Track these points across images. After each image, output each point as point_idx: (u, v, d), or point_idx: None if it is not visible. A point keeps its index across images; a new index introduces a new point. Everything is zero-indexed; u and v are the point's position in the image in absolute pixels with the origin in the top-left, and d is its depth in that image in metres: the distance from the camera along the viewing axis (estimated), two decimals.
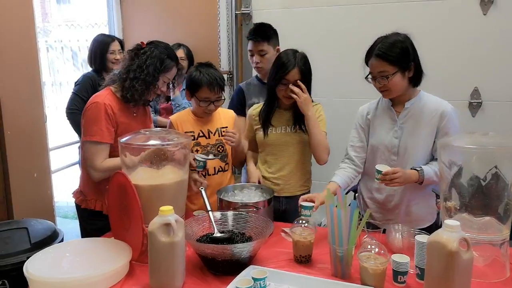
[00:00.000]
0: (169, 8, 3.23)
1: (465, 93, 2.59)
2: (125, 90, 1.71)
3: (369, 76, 1.66)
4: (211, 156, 1.88)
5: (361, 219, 1.36)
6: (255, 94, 2.29)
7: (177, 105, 2.75)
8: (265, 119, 1.92)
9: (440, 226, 1.78)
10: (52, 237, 1.75)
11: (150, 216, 1.28)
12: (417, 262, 1.29)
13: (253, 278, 1.21)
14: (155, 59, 1.70)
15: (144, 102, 1.80)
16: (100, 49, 2.71)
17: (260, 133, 1.94)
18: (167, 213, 1.25)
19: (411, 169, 1.63)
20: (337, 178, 1.73)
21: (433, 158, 1.69)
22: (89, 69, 2.81)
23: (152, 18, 3.28)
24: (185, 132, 1.89)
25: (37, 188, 2.37)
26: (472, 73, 2.56)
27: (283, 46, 2.16)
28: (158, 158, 1.49)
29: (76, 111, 2.52)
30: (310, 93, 1.84)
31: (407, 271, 1.27)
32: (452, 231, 1.10)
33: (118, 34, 3.30)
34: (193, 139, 1.90)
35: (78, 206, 1.84)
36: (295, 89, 1.79)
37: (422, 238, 1.29)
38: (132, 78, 1.69)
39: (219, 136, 1.95)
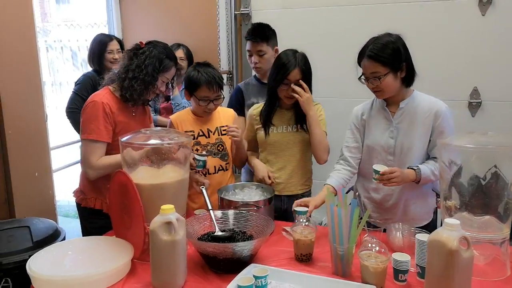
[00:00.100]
0: (169, 8, 3.23)
1: (465, 93, 2.60)
2: (124, 90, 1.71)
3: (362, 77, 1.67)
4: (204, 153, 1.87)
5: (361, 218, 1.37)
6: (254, 94, 2.30)
7: (176, 104, 2.76)
8: (266, 119, 1.92)
9: (438, 225, 1.81)
10: (54, 236, 1.76)
11: (151, 215, 1.28)
12: (418, 261, 1.30)
13: (254, 276, 1.21)
14: (153, 59, 1.71)
15: (143, 101, 1.80)
16: (98, 49, 2.71)
17: (261, 133, 1.94)
18: (168, 211, 1.25)
19: (408, 168, 1.64)
20: (332, 180, 1.74)
21: (428, 157, 1.70)
22: (89, 69, 2.82)
23: (152, 18, 3.28)
24: (184, 132, 1.90)
25: (39, 187, 2.37)
26: (472, 73, 2.57)
27: (282, 46, 2.17)
28: (159, 157, 1.49)
29: (76, 110, 2.52)
30: (311, 93, 1.85)
31: (408, 270, 1.28)
32: (452, 229, 1.10)
33: (117, 34, 3.30)
34: (193, 139, 1.90)
35: (78, 205, 1.85)
36: (297, 88, 1.80)
37: (423, 236, 1.30)
38: (131, 78, 1.70)
39: (219, 135, 1.95)
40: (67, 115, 2.68)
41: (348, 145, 1.80)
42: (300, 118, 1.89)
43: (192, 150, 1.87)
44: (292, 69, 1.80)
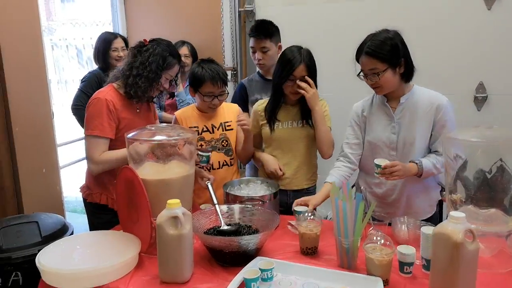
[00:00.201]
0: (173, 6, 3.24)
1: (470, 87, 2.59)
2: (128, 87, 1.73)
3: (361, 74, 1.66)
4: (208, 148, 1.89)
5: (366, 212, 1.37)
6: (257, 90, 2.30)
7: (181, 100, 2.77)
8: (271, 115, 1.93)
9: (440, 218, 1.81)
10: (62, 231, 1.77)
11: (158, 210, 1.30)
12: (423, 253, 1.30)
13: (260, 269, 1.22)
14: (157, 57, 1.72)
15: (147, 98, 1.82)
16: (103, 47, 2.73)
17: (266, 128, 1.95)
18: (175, 206, 1.26)
19: (410, 162, 1.64)
20: (332, 178, 1.74)
21: (430, 151, 1.70)
22: (95, 66, 2.84)
23: (156, 16, 3.29)
24: (189, 127, 1.91)
25: (46, 183, 2.39)
26: (477, 67, 2.55)
27: (285, 42, 2.16)
28: (164, 153, 1.50)
29: (82, 107, 2.54)
30: (316, 89, 1.85)
31: (413, 262, 1.28)
32: (457, 222, 1.11)
33: (122, 32, 3.32)
34: (197, 134, 1.91)
35: (85, 200, 1.88)
36: (303, 84, 1.80)
37: (428, 229, 1.30)
38: (135, 75, 1.71)
39: (223, 131, 1.96)
40: (72, 112, 2.70)
41: (349, 142, 1.80)
42: (305, 114, 1.90)
43: (196, 145, 1.88)
44: (298, 65, 1.80)
